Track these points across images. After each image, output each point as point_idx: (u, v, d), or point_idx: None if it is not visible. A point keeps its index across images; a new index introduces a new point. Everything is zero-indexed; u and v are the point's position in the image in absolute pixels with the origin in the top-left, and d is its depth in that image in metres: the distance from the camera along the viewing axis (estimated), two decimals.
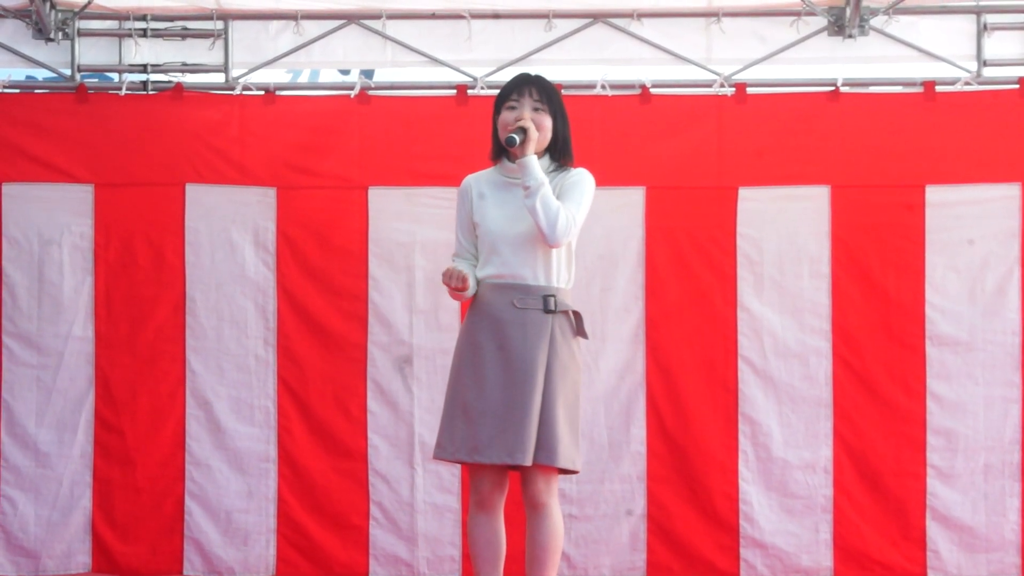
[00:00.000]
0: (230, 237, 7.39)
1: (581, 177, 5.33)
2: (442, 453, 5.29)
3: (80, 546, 7.34)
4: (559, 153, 5.34)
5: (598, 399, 7.29)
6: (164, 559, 7.35)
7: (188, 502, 7.35)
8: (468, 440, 5.19)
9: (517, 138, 5.20)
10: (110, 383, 7.36)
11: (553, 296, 5.25)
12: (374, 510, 7.33)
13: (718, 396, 7.29)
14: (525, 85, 5.31)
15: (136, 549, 7.35)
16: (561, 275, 5.30)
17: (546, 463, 5.16)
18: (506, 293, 5.25)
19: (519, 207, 5.23)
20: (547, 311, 5.23)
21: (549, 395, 5.18)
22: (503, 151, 5.34)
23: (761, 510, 7.27)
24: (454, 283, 5.25)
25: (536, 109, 5.28)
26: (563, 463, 5.18)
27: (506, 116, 5.28)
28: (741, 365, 7.30)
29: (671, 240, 7.33)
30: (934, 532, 7.26)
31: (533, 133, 5.21)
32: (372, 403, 7.34)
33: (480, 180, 5.39)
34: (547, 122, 5.28)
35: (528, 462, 5.14)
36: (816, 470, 7.29)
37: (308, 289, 7.37)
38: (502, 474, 5.28)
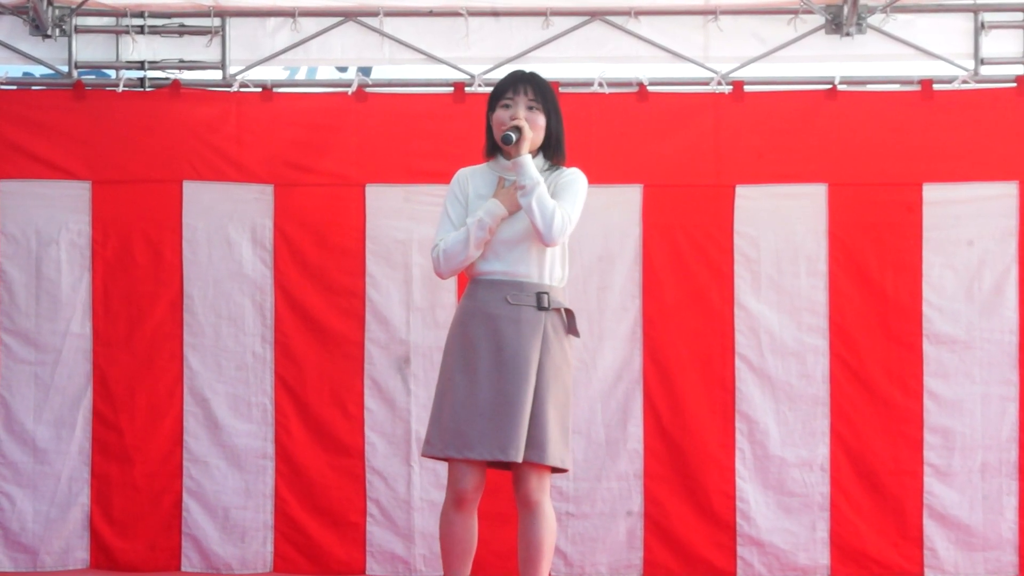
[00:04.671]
0: (227, 234, 7.39)
1: (575, 176, 5.33)
2: (431, 450, 5.28)
3: (78, 542, 7.35)
4: (552, 152, 5.34)
5: (595, 397, 7.29)
6: (162, 555, 7.36)
7: (186, 499, 7.36)
8: (458, 436, 5.19)
9: (513, 136, 5.19)
10: (108, 380, 7.36)
11: (547, 293, 5.25)
12: (371, 507, 7.34)
13: (715, 394, 7.29)
14: (520, 83, 5.30)
15: (134, 545, 7.35)
16: (555, 273, 5.30)
17: (536, 461, 5.16)
18: (500, 289, 5.25)
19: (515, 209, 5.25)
20: (540, 308, 5.23)
21: (541, 393, 5.18)
22: (497, 148, 5.33)
23: (758, 508, 7.27)
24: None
25: (531, 108, 5.27)
26: (553, 461, 5.19)
27: (500, 114, 5.27)
28: (738, 363, 7.30)
29: (668, 238, 7.32)
30: (931, 530, 7.26)
31: (528, 132, 5.21)
32: (369, 400, 7.34)
33: (475, 175, 5.39)
34: (541, 121, 5.28)
35: (519, 459, 5.14)
36: (813, 468, 7.29)
37: (305, 287, 7.37)
38: (483, 472, 5.27)
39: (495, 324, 5.23)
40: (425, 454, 5.32)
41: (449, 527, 5.30)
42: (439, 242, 5.34)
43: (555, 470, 5.27)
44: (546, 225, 5.17)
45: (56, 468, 7.35)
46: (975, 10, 7.35)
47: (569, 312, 5.31)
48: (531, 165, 5.20)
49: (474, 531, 5.32)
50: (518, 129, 5.21)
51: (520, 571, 5.29)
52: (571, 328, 5.31)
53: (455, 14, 7.40)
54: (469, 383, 5.22)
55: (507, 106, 5.28)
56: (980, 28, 7.35)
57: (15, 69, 7.65)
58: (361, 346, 7.36)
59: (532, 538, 5.25)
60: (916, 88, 7.33)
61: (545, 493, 5.25)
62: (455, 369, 5.27)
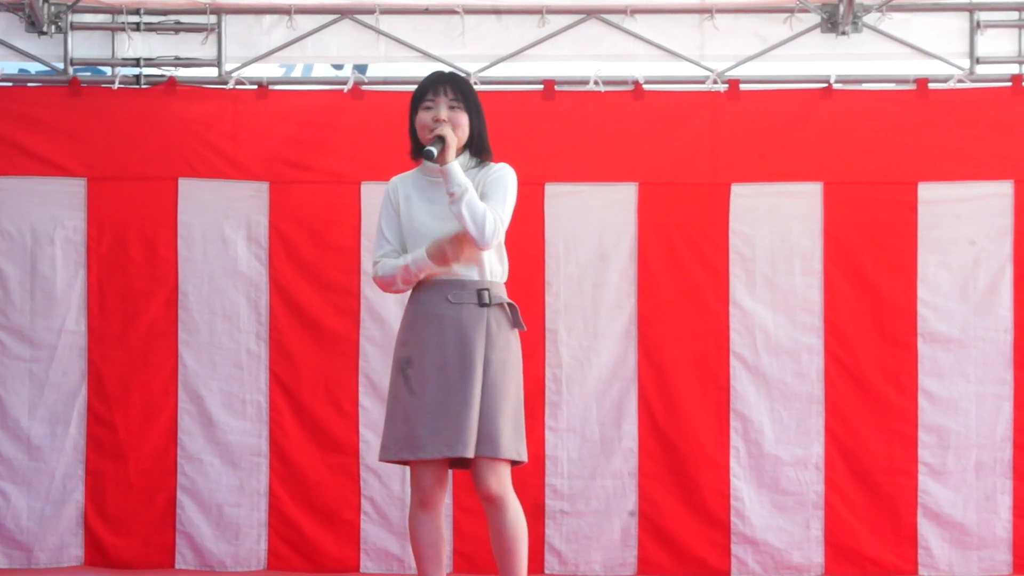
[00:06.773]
0: (223, 231, 7.39)
1: (502, 173, 5.35)
2: (386, 454, 5.34)
3: (72, 539, 7.34)
4: (477, 149, 5.37)
5: (590, 395, 7.30)
6: (156, 552, 7.36)
7: (180, 496, 7.36)
8: (410, 438, 5.23)
9: (435, 151, 5.20)
10: (102, 377, 7.36)
11: (487, 290, 5.31)
12: (365, 505, 7.34)
13: (710, 393, 7.30)
14: (440, 84, 5.35)
15: (128, 542, 7.35)
16: (494, 269, 5.35)
17: (490, 455, 5.20)
18: (441, 289, 5.30)
19: (447, 205, 5.26)
20: (482, 305, 5.29)
21: (489, 388, 5.23)
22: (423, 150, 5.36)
23: (752, 507, 7.27)
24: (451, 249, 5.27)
25: (452, 108, 5.31)
26: (507, 454, 5.23)
27: (423, 117, 5.31)
28: (733, 362, 7.30)
29: (663, 236, 7.33)
30: (925, 529, 7.26)
31: (451, 139, 5.23)
32: (364, 398, 7.34)
33: (405, 181, 5.42)
34: (464, 120, 5.31)
35: (470, 454, 5.18)
36: (808, 467, 7.29)
37: (300, 284, 7.37)
38: (443, 472, 5.32)
39: (439, 324, 5.28)
40: (382, 459, 5.38)
41: (417, 528, 5.35)
42: (376, 263, 5.40)
43: (514, 463, 5.31)
44: (478, 230, 5.21)
45: (50, 465, 7.35)
46: (970, 9, 7.36)
47: (512, 306, 5.36)
48: (459, 172, 5.21)
49: (443, 532, 5.38)
50: (440, 139, 5.23)
51: (498, 567, 5.32)
52: (515, 322, 5.36)
53: (451, 12, 7.41)
54: (418, 385, 5.27)
55: (429, 108, 5.32)
56: (975, 27, 7.36)
57: (11, 66, 7.64)
58: (356, 344, 7.36)
59: (503, 532, 5.29)
60: (911, 87, 7.34)
61: (506, 487, 5.28)
62: (404, 372, 5.31)
